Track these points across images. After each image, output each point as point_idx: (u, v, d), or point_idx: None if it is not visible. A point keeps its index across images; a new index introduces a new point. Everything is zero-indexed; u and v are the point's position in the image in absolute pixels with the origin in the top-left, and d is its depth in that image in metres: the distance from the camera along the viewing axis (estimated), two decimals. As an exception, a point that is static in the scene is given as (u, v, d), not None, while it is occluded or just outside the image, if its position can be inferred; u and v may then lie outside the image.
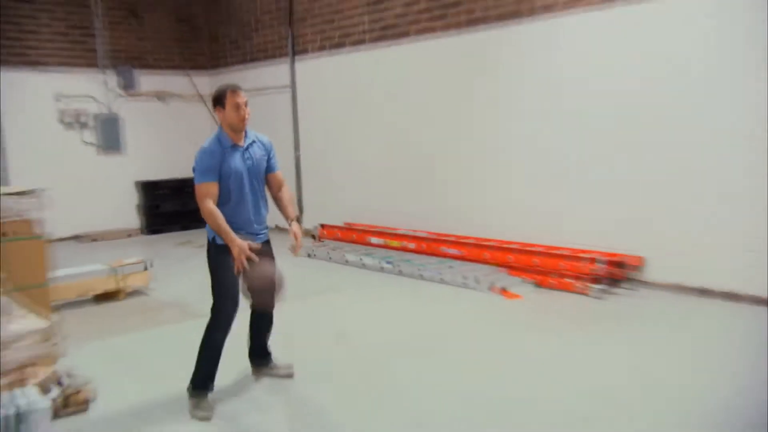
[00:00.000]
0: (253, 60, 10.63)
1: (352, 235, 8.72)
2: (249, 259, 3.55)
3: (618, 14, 6.17)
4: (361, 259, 7.78)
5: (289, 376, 4.28)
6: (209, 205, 3.66)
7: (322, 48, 9.36)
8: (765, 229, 5.46)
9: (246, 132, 3.88)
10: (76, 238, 10.27)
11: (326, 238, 9.04)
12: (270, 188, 4.06)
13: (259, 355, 4.33)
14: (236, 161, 3.79)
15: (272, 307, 3.85)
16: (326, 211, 9.47)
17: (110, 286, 6.49)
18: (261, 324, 4.23)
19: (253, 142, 3.92)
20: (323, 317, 5.74)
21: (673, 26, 5.86)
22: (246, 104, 3.80)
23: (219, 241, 3.75)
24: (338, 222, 9.19)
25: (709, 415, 3.60)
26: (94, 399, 3.92)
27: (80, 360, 4.78)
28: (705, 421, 3.54)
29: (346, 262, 7.91)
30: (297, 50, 9.76)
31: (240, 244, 3.57)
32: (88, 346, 5.13)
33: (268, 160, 4.01)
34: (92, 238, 10.24)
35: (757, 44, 5.39)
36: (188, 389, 3.89)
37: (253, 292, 3.64)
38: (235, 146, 3.81)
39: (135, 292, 6.73)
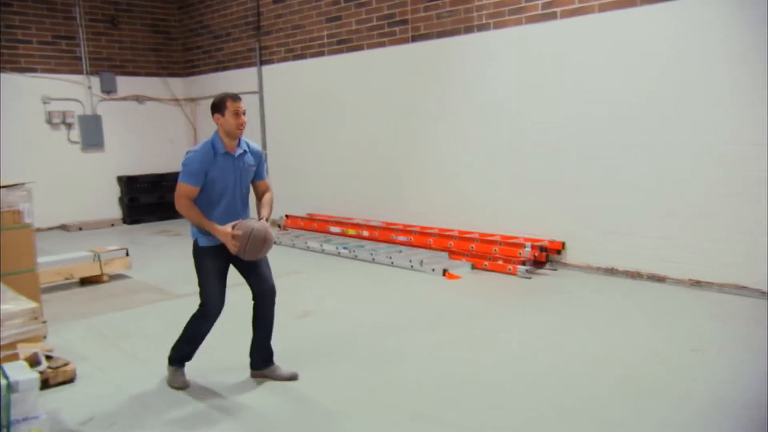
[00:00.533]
0: (224, 68, 10.48)
1: (314, 224, 8.72)
2: (235, 236, 3.43)
3: (537, 30, 6.33)
4: (321, 245, 7.80)
5: (293, 378, 3.81)
6: (185, 202, 3.48)
7: (286, 58, 9.30)
8: (664, 220, 5.71)
9: (240, 140, 3.61)
10: (63, 227, 10.02)
11: (290, 227, 9.03)
12: (255, 193, 3.82)
13: (262, 355, 3.85)
14: (225, 169, 3.55)
15: (260, 257, 3.61)
16: (291, 203, 9.44)
17: (94, 270, 6.37)
18: (266, 314, 3.79)
19: (245, 151, 3.64)
20: (289, 296, 5.75)
21: (592, 39, 6.04)
22: (244, 113, 3.55)
23: (201, 243, 3.58)
24: (301, 212, 9.18)
25: (610, 364, 3.79)
26: (73, 379, 3.85)
27: (67, 336, 4.73)
28: (604, 368, 3.72)
29: (308, 248, 7.92)
30: (263, 60, 9.67)
31: (223, 231, 3.44)
32: (74, 324, 5.05)
33: (258, 168, 3.75)
34: (78, 227, 9.99)
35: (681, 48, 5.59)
36: (168, 360, 3.82)
37: (248, 254, 3.50)
38: (226, 154, 3.55)
39: (117, 276, 6.62)
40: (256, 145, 3.80)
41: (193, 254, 3.67)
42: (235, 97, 3.54)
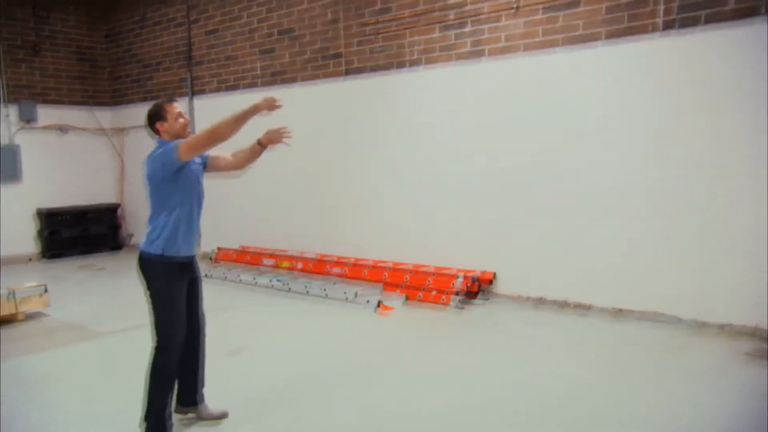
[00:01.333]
0: (153, 98, 10.27)
1: (246, 257, 8.59)
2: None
3: (466, 67, 6.58)
4: (254, 278, 7.68)
5: (223, 416, 3.68)
6: (201, 131, 3.14)
7: (218, 89, 9.24)
8: (589, 251, 5.97)
9: None
10: (-27, 263, 9.44)
11: (223, 260, 8.85)
12: (226, 164, 3.73)
13: (195, 390, 3.64)
14: (190, 164, 3.36)
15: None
16: (223, 235, 9.28)
17: (8, 309, 6.01)
18: (202, 345, 3.61)
19: None
20: (220, 332, 5.60)
21: (514, 77, 6.33)
22: (184, 113, 3.47)
23: (169, 252, 3.25)
24: (234, 245, 9.03)
25: (539, 395, 3.89)
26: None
27: (-24, 382, 4.43)
28: (537, 400, 3.82)
29: (241, 282, 7.78)
30: (195, 90, 9.57)
31: (265, 98, 3.40)
32: (-16, 368, 4.75)
33: (204, 164, 3.62)
34: (-9, 263, 9.44)
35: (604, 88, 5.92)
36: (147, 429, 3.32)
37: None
38: None
39: (34, 315, 6.28)
40: None
41: (148, 274, 3.28)
42: (172, 100, 3.48)
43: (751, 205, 5.08)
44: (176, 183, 3.32)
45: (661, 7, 5.37)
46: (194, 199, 3.44)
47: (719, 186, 5.22)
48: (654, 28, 5.44)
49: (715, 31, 5.13)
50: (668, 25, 5.36)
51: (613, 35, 5.67)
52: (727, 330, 5.17)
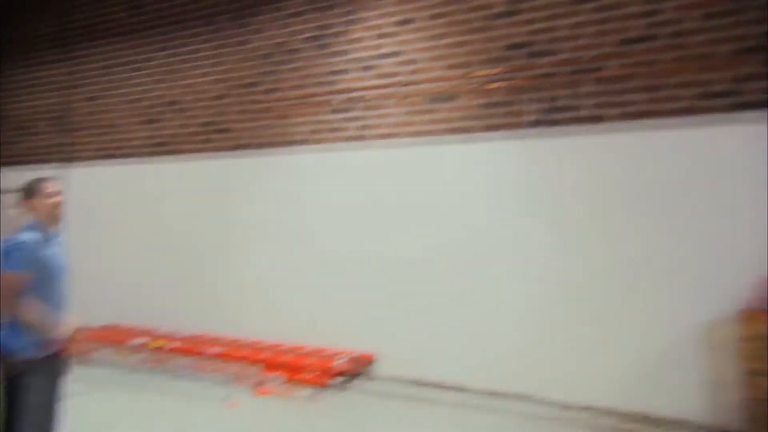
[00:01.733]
0: (24, 162, 9.73)
1: (115, 335, 8.07)
2: None
3: (350, 153, 6.89)
4: (121, 359, 7.22)
5: None
6: (22, 302, 3.06)
7: (97, 157, 8.92)
8: (465, 334, 6.18)
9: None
10: None
11: (88, 339, 8.25)
12: None
13: None
14: (56, 250, 3.31)
15: None
16: (90, 312, 8.69)
17: None
18: None
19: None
20: (76, 422, 5.18)
21: (398, 167, 6.63)
22: (59, 194, 3.38)
23: (30, 354, 3.14)
24: (102, 322, 8.48)
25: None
26: None
27: None
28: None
29: (105, 363, 7.28)
30: (72, 156, 9.18)
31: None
32: None
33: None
34: None
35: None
36: None
37: None
38: (53, 236, 3.35)
39: None
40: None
41: (9, 382, 3.10)
42: (48, 179, 3.42)
43: (619, 296, 5.54)
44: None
45: (526, 108, 5.93)
46: (57, 287, 3.34)
47: (593, 275, 5.65)
48: (523, 126, 5.97)
49: (571, 133, 5.73)
50: (534, 125, 5.91)
51: (488, 129, 6.15)
52: (588, 411, 5.48)
